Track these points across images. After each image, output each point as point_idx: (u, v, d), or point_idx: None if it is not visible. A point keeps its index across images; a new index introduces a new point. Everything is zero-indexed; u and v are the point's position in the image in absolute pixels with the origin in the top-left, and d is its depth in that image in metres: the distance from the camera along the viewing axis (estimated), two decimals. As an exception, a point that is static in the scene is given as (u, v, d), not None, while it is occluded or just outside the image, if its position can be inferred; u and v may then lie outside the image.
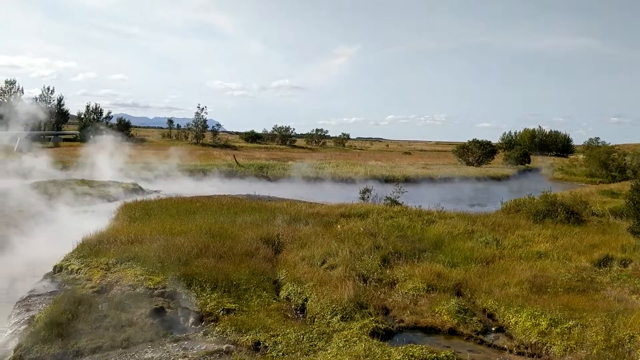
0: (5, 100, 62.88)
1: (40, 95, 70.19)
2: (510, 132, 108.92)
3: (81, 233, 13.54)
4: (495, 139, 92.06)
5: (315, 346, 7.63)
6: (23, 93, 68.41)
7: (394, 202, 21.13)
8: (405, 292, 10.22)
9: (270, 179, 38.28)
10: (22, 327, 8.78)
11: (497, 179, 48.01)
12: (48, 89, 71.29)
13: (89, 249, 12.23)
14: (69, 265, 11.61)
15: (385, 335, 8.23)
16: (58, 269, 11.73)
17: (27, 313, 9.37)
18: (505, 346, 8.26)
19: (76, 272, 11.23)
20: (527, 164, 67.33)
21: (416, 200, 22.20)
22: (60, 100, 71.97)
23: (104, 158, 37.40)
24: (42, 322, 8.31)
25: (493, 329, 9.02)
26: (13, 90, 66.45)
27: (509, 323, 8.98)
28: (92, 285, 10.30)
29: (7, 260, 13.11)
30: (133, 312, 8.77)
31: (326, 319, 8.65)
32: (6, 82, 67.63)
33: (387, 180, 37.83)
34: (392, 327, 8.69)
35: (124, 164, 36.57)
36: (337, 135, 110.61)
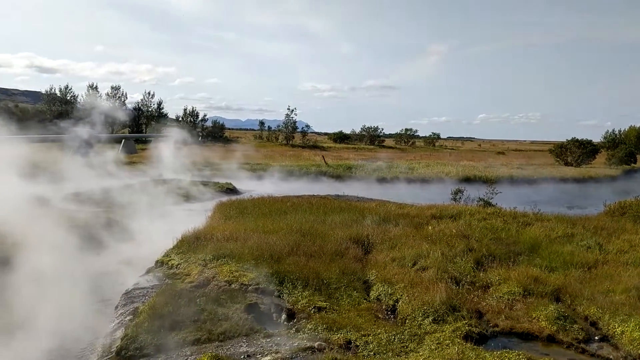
0: (111, 105, 67.21)
1: (142, 100, 74.47)
2: (614, 130, 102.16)
3: (180, 230, 14.22)
4: (596, 138, 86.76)
5: (406, 347, 7.56)
6: (127, 98, 72.92)
7: (487, 204, 20.49)
8: (500, 296, 9.87)
9: (358, 179, 38.33)
10: (128, 317, 9.35)
11: (599, 180, 45.25)
12: (149, 93, 75.51)
13: (187, 246, 12.82)
14: (169, 260, 12.23)
15: (479, 340, 7.99)
16: (159, 263, 12.38)
17: (132, 305, 9.97)
18: (611, 357, 7.75)
19: (176, 267, 11.81)
20: (633, 164, 63.03)
21: (511, 202, 21.38)
22: (159, 104, 76.00)
23: (199, 159, 39.14)
24: (146, 314, 8.82)
25: (596, 337, 8.49)
26: (118, 95, 70.93)
27: (614, 332, 8.44)
28: (190, 280, 10.79)
29: (112, 255, 14.06)
30: (229, 307, 9.10)
31: (417, 321, 8.54)
32: (112, 87, 72.36)
33: (480, 180, 36.74)
34: (486, 331, 8.42)
35: (218, 164, 38.08)
36: (427, 135, 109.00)
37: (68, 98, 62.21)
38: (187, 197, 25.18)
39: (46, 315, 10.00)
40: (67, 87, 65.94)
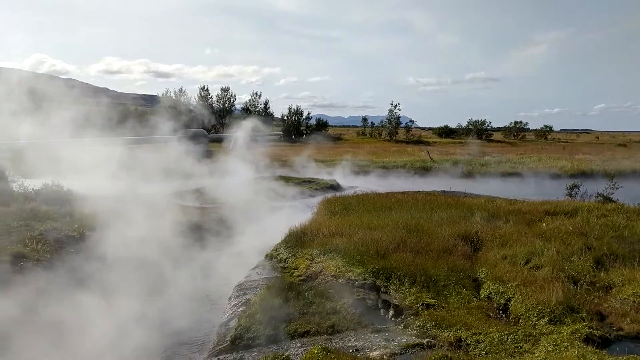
0: (221, 106, 70.37)
1: (250, 100, 77.31)
2: None
3: (287, 225, 14.62)
4: None
5: (520, 348, 7.25)
6: (235, 99, 75.95)
7: (607, 199, 19.11)
8: (625, 298, 9.16)
9: (465, 174, 37.27)
10: (240, 308, 9.76)
11: None
12: (256, 94, 78.38)
13: (295, 240, 13.15)
14: (278, 254, 12.62)
15: (601, 343, 7.47)
16: (269, 257, 12.82)
17: (244, 296, 10.40)
18: None
19: (284, 261, 12.16)
20: None
21: (635, 198, 19.81)
22: (266, 103, 78.57)
23: (302, 156, 39.93)
24: (257, 305, 9.17)
25: None
26: (227, 96, 74.09)
27: None
28: (298, 274, 11.06)
29: (225, 248, 14.72)
30: (336, 301, 9.22)
31: (532, 321, 8.15)
32: (222, 89, 75.73)
33: (598, 175, 34.37)
34: (609, 334, 7.86)
35: (322, 161, 38.66)
36: (538, 128, 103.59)
37: (182, 100, 66.08)
38: (294, 194, 25.78)
39: (165, 303, 10.72)
40: (181, 89, 70.12)
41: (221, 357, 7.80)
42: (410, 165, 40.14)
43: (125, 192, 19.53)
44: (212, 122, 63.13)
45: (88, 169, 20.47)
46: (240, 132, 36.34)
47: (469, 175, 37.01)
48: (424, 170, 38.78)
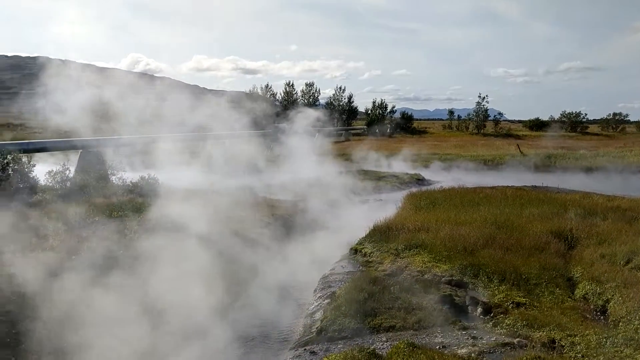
0: (305, 101, 71.16)
1: (334, 95, 77.64)
2: None
3: (371, 219, 14.59)
4: None
5: (621, 352, 6.83)
6: (320, 93, 76.54)
7: None
8: None
9: (558, 169, 35.54)
10: (326, 301, 9.87)
11: None
12: (340, 88, 78.44)
13: (379, 235, 13.11)
14: (363, 248, 12.63)
15: None
16: (353, 251, 12.86)
17: (329, 289, 10.50)
18: None
19: (369, 255, 12.15)
20: None
21: None
22: (350, 98, 78.50)
23: (386, 150, 39.62)
24: (343, 298, 9.23)
25: None
26: (312, 91, 74.86)
27: None
28: (383, 269, 11.02)
29: (309, 241, 14.91)
30: (422, 297, 9.11)
31: (634, 325, 7.65)
32: (306, 84, 76.58)
33: None
34: None
35: (406, 155, 38.20)
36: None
37: (268, 96, 67.47)
38: (377, 188, 25.69)
39: (252, 293, 11.03)
40: (268, 85, 71.62)
41: (307, 347, 7.93)
42: (498, 159, 38.81)
43: (215, 186, 20.27)
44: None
45: (182, 163, 21.40)
46: (324, 126, 36.58)
47: (562, 169, 35.25)
48: (514, 164, 37.35)
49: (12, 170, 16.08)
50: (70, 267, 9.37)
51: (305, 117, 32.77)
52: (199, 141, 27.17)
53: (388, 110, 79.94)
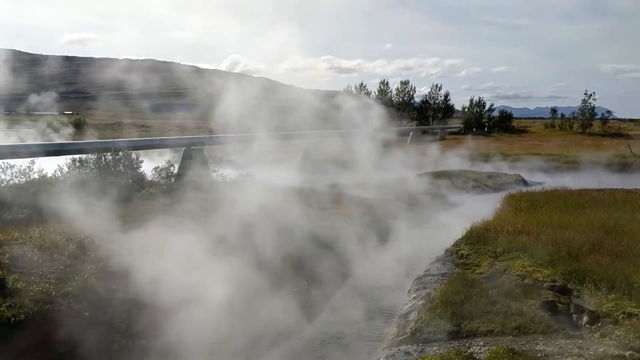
0: (400, 99, 70.50)
1: (429, 93, 76.30)
2: None
3: (469, 220, 14.20)
4: None
5: None
6: (415, 92, 75.47)
7: None
8: None
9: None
10: (420, 302, 9.74)
11: None
12: (436, 86, 76.93)
13: (476, 236, 12.73)
14: (459, 250, 12.32)
15: None
16: (448, 252, 12.59)
17: (424, 290, 10.36)
18: None
19: (465, 258, 11.83)
20: None
21: None
22: (446, 96, 76.80)
23: (483, 150, 38.36)
24: (438, 300, 9.07)
25: None
26: (406, 89, 73.99)
27: None
28: (480, 272, 10.70)
29: (402, 241, 14.77)
30: (522, 302, 8.75)
31: None
32: (401, 82, 75.77)
33: None
34: None
35: (505, 155, 36.82)
36: None
37: (362, 95, 67.54)
38: (474, 188, 24.99)
39: (346, 292, 11.12)
40: (362, 84, 71.68)
41: (402, 347, 7.87)
42: (606, 160, 36.38)
43: (309, 184, 20.61)
44: (391, 116, 63.55)
45: (278, 161, 21.95)
46: (420, 125, 36.12)
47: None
48: (624, 165, 34.91)
49: (122, 166, 17.19)
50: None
51: (399, 116, 32.53)
52: (294, 140, 27.74)
53: (486, 109, 77.35)
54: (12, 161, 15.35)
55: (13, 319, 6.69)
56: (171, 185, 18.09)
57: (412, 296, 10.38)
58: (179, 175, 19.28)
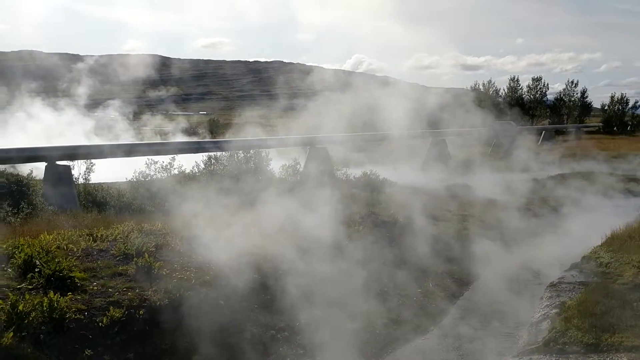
0: (532, 97, 66.85)
1: (564, 90, 71.55)
2: None
3: (607, 227, 13.17)
4: None
5: None
6: (548, 88, 71.15)
7: None
8: None
9: None
10: (554, 310, 9.19)
11: None
12: (572, 82, 71.93)
13: (618, 244, 11.78)
14: (598, 257, 11.45)
15: None
16: (586, 260, 11.73)
17: (558, 298, 9.75)
18: None
19: (605, 266, 10.96)
20: None
21: None
22: (583, 93, 71.61)
23: (625, 150, 35.28)
24: (575, 310, 8.50)
25: None
26: (538, 87, 70.00)
27: None
28: (623, 282, 9.86)
29: (535, 246, 14.04)
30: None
31: None
32: (533, 79, 71.79)
33: None
34: None
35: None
36: None
37: (490, 93, 64.98)
38: (612, 192, 23.06)
39: (471, 294, 10.79)
40: (490, 81, 68.93)
41: (533, 357, 7.51)
42: None
43: (432, 183, 20.27)
44: (522, 114, 60.66)
45: (401, 160, 21.82)
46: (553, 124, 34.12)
47: None
48: None
49: (253, 164, 18.03)
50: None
51: (530, 114, 30.97)
52: (417, 139, 27.40)
53: (629, 106, 71.01)
54: (155, 158, 16.68)
55: (158, 302, 7.29)
56: (297, 182, 18.66)
57: (545, 304, 9.83)
58: (304, 173, 19.81)
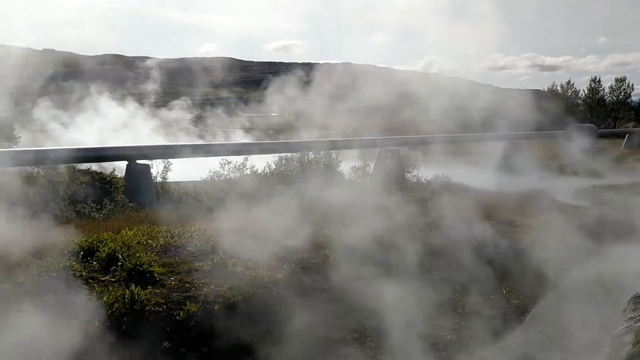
0: (614, 98, 63.59)
1: (651, 90, 67.50)
2: None
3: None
4: None
5: None
6: (633, 89, 67.34)
7: None
8: None
9: None
10: (638, 323, 8.67)
11: None
12: (660, 83, 67.95)
13: None
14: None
15: None
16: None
17: (643, 311, 9.21)
18: None
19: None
20: None
21: None
22: (679, 92, 67.32)
23: None
24: (662, 324, 7.99)
25: None
26: (622, 87, 66.46)
27: None
28: None
29: (616, 255, 13.32)
30: None
31: None
32: (616, 80, 68.15)
33: None
34: None
35: None
36: None
37: (569, 94, 62.33)
38: None
39: (547, 307, 10.38)
40: (569, 82, 66.03)
41: (616, 371, 7.09)
42: None
43: (507, 188, 19.64)
44: (603, 116, 57.91)
45: (475, 163, 21.32)
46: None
47: None
48: None
49: (322, 165, 18.14)
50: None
51: (613, 116, 29.45)
52: (491, 142, 26.69)
53: None
54: (229, 158, 17.09)
55: (232, 299, 7.46)
56: (366, 183, 18.61)
57: (628, 316, 9.24)
58: (374, 175, 19.73)
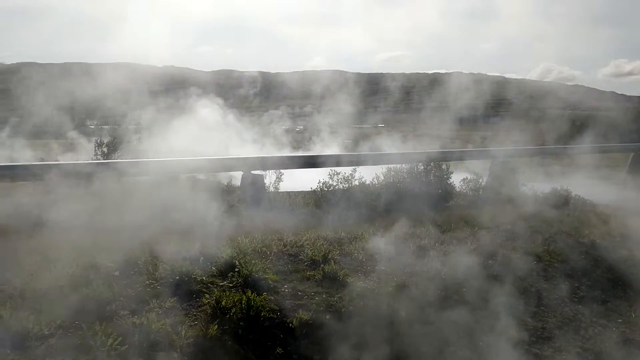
0: None
1: None
2: None
3: None
4: None
5: None
6: None
7: None
8: None
9: None
10: None
11: None
12: None
13: None
14: None
15: None
16: None
17: None
18: None
19: None
20: None
21: None
22: None
23: None
24: None
25: None
26: None
27: None
28: None
29: None
30: None
31: None
32: None
33: None
34: None
35: None
36: None
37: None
38: None
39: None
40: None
41: None
42: None
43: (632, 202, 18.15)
44: None
45: (595, 176, 19.94)
46: None
47: None
48: None
49: (432, 176, 17.74)
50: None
51: None
52: (614, 153, 24.86)
53: None
54: (337, 169, 17.20)
55: (343, 309, 7.51)
56: (479, 197, 17.98)
57: None
58: (486, 187, 19.01)
